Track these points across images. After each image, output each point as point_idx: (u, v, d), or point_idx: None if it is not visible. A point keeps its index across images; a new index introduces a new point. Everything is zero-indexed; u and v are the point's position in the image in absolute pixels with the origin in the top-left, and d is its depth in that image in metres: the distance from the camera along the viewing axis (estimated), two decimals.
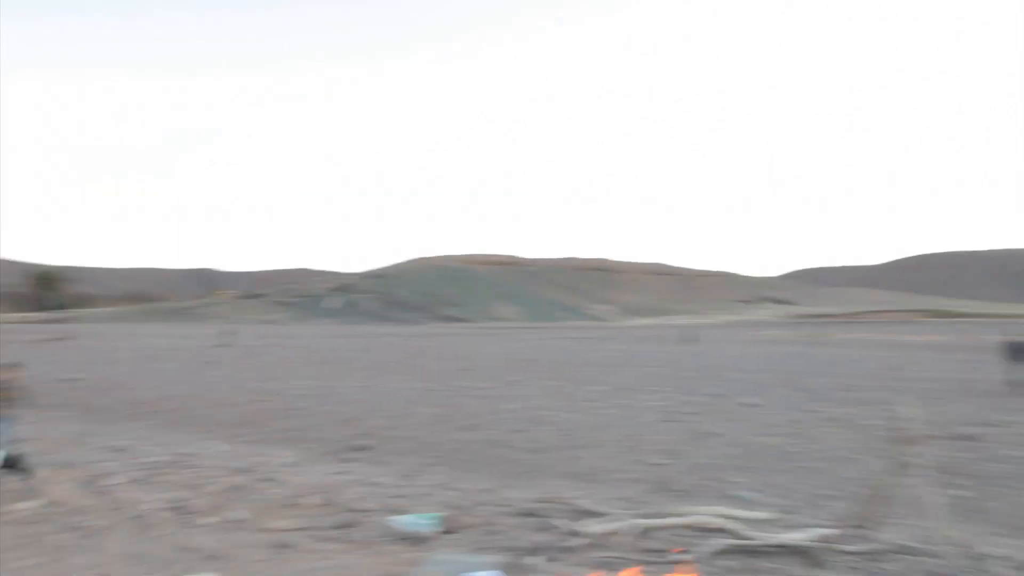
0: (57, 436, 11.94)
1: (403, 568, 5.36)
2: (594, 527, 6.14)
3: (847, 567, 5.63)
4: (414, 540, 6.12)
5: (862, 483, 8.12)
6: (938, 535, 5.87)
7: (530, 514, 7.05)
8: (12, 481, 7.56)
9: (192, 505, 7.16)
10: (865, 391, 19.28)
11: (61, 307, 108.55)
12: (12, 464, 7.55)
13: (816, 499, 8.29)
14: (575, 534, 6.10)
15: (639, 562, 5.50)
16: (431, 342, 55.46)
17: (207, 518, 6.71)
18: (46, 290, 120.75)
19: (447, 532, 6.38)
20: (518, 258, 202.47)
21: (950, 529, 6.09)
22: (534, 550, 5.72)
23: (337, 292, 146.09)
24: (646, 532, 6.23)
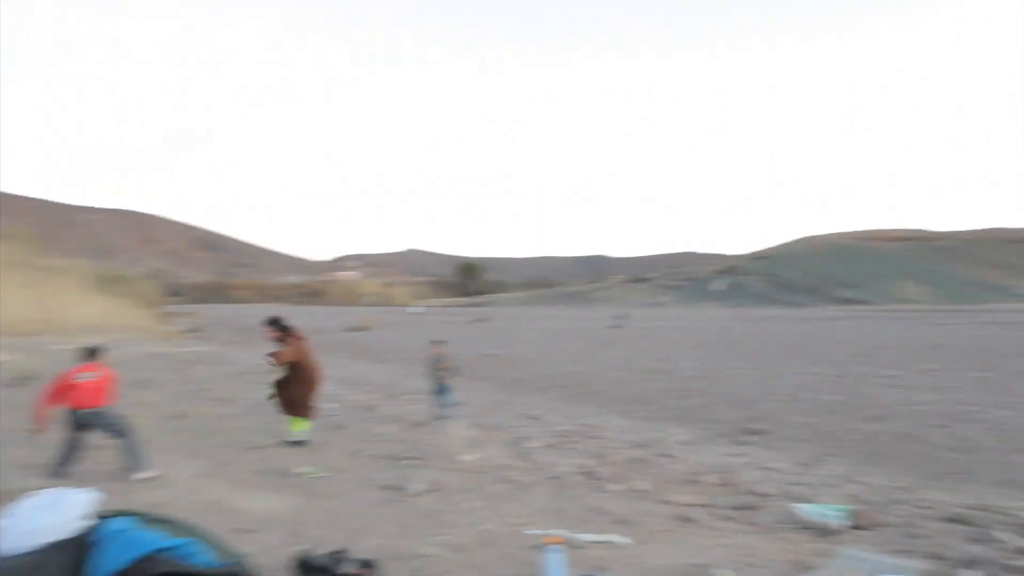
0: (483, 403, 13.92)
1: (809, 558, 5.15)
2: None
3: None
4: (820, 531, 5.84)
5: None
6: None
7: (959, 521, 6.22)
8: (459, 436, 9.02)
9: (599, 472, 7.78)
10: None
11: (478, 293, 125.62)
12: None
13: None
14: (1021, 551, 5.22)
15: None
16: (824, 326, 51.74)
17: (613, 485, 7.24)
18: (468, 278, 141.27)
19: (857, 528, 5.96)
20: (925, 232, 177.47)
21: None
22: (969, 563, 5.04)
23: (722, 274, 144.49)
24: None
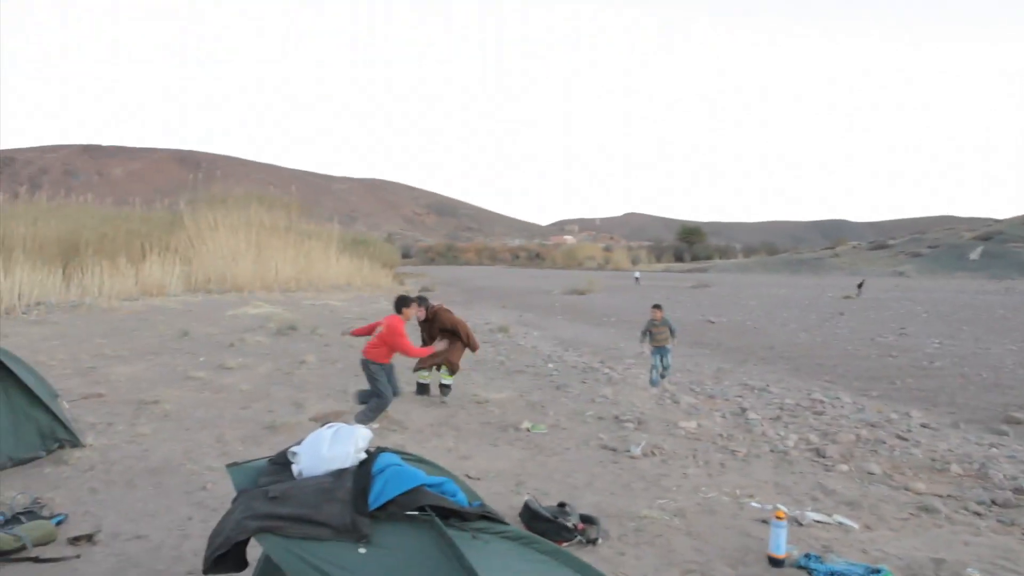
0: (703, 371, 13.71)
1: None
2: None
3: None
4: None
5: None
6: None
7: None
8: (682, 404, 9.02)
9: (826, 450, 7.42)
10: None
11: (701, 258, 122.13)
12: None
13: None
14: None
15: None
16: None
17: (842, 465, 6.88)
18: (690, 243, 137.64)
19: None
20: None
21: None
22: None
23: (980, 241, 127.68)
24: None
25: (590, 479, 5.91)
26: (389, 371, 7.57)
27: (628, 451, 6.71)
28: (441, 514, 2.33)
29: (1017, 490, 6.24)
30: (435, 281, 53.12)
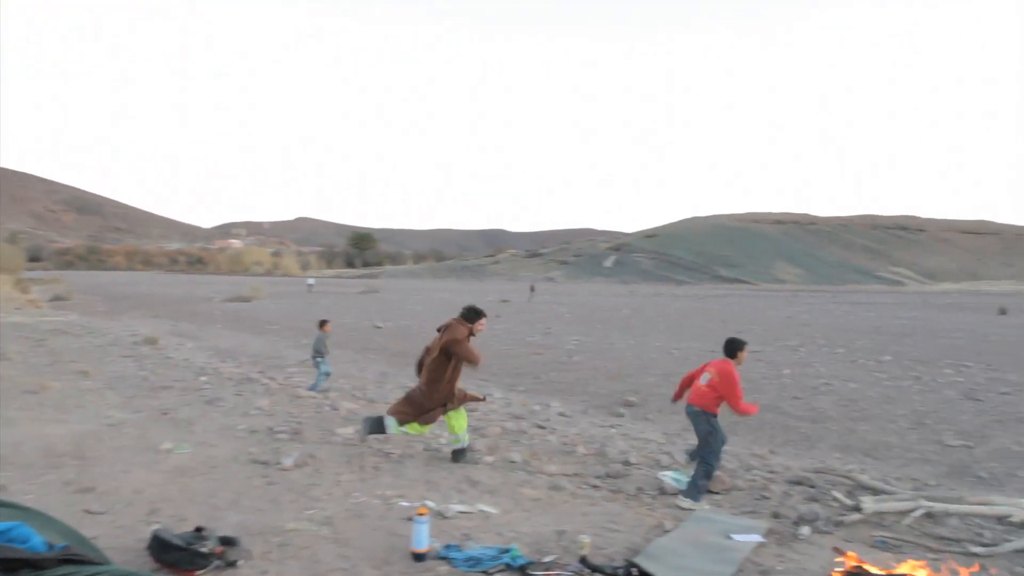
0: (367, 375, 13.82)
1: (668, 521, 5.47)
2: (873, 504, 5.72)
3: None
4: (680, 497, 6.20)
5: None
6: None
7: (803, 483, 6.76)
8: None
9: (474, 445, 7.90)
10: None
11: (371, 264, 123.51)
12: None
13: None
14: (850, 509, 5.74)
15: (923, 547, 5.04)
16: (705, 303, 54.24)
17: (488, 457, 7.39)
18: (361, 249, 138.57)
19: (713, 492, 6.36)
20: (807, 216, 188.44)
21: None
22: (804, 520, 5.49)
23: (613, 251, 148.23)
24: (933, 517, 5.67)
25: (236, 497, 5.54)
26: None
27: (279, 463, 6.45)
28: (8, 567, 1.95)
29: (625, 462, 7.27)
30: (72, 288, 46.30)
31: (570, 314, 36.66)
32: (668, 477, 6.55)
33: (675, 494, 6.25)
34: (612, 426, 9.75)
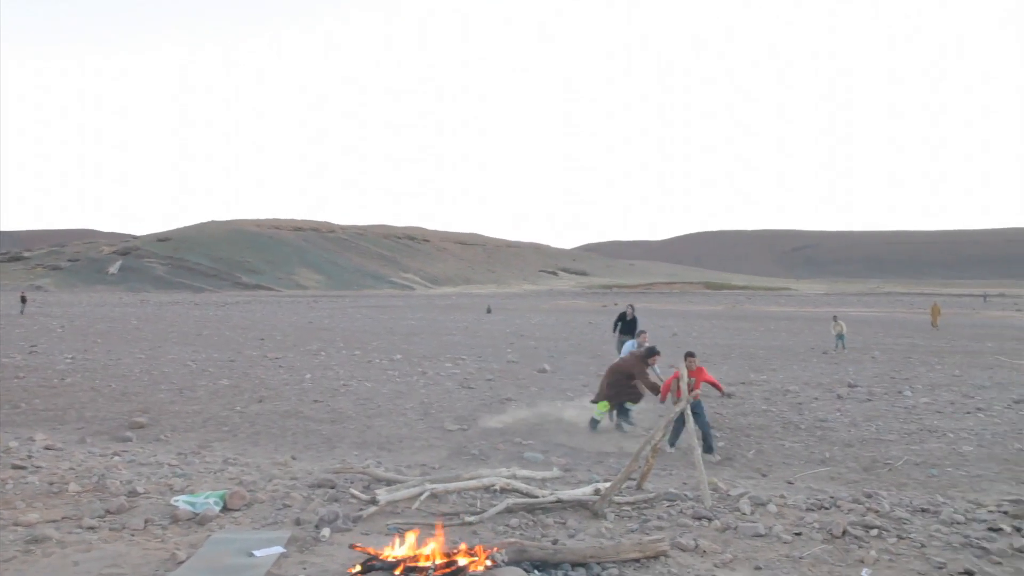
0: None
1: (182, 551, 5.01)
2: (387, 495, 6.12)
3: (621, 515, 6.08)
4: (195, 521, 5.74)
5: (641, 439, 8.76)
6: (698, 482, 6.50)
7: (324, 485, 6.89)
8: None
9: None
10: None
11: None
12: None
13: (600, 456, 8.87)
14: (367, 503, 6.04)
15: (429, 526, 5.56)
16: (225, 310, 52.31)
17: None
18: None
19: (231, 509, 6.06)
20: (325, 223, 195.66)
21: (709, 476, 6.77)
22: (324, 522, 5.59)
23: (119, 256, 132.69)
24: (438, 496, 6.32)
25: None
26: None
27: None
28: None
29: (131, 493, 6.47)
30: None
31: (64, 328, 31.65)
32: (182, 502, 6.02)
33: (189, 519, 5.77)
34: (116, 453, 8.61)
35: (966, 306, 71.43)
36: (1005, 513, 6.27)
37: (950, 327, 37.81)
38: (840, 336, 24.17)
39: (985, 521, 6.01)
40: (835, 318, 25.47)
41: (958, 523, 5.99)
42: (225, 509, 6.05)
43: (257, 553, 4.92)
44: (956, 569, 4.94)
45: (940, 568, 4.98)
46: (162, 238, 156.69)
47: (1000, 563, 5.11)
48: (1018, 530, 5.78)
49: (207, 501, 5.98)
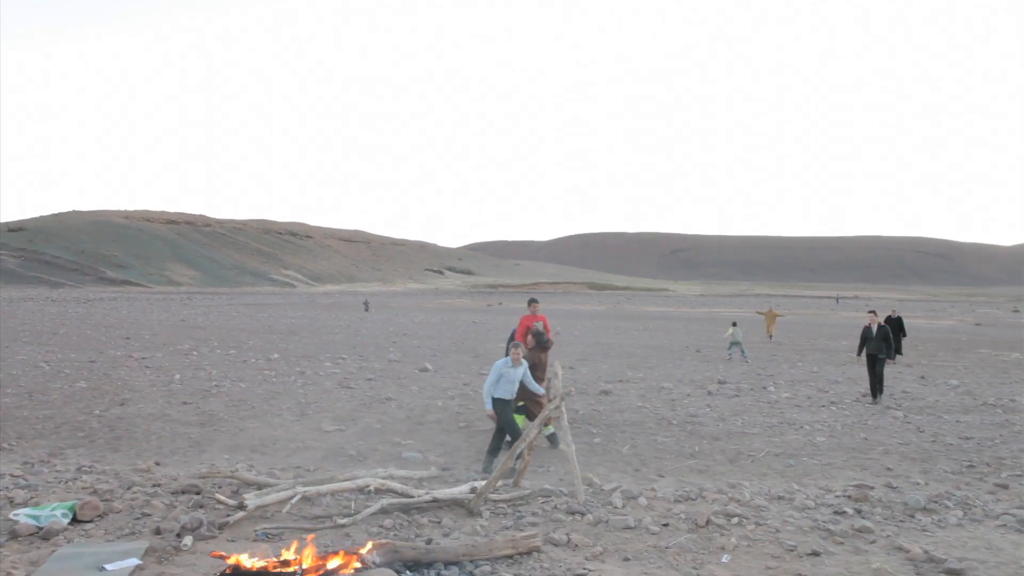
0: None
1: (18, 570, 4.62)
2: (256, 499, 5.88)
3: (497, 513, 6.12)
4: (39, 536, 5.31)
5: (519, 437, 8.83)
6: (573, 478, 6.64)
7: (188, 491, 6.55)
8: None
9: None
10: None
11: None
12: None
13: (479, 455, 8.89)
14: (234, 508, 5.79)
15: (300, 530, 5.39)
16: (87, 307, 48.85)
17: None
18: None
19: (81, 521, 5.64)
20: (200, 217, 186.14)
21: (583, 471, 6.93)
22: (187, 529, 5.30)
23: None
24: (310, 499, 6.14)
25: None
26: None
27: None
28: None
29: None
30: None
31: None
32: (23, 515, 5.54)
33: (32, 534, 5.33)
34: None
35: (823, 307, 76.81)
36: (849, 497, 6.81)
37: (798, 329, 40.35)
38: (735, 343, 20.93)
39: (832, 505, 6.51)
40: (734, 323, 21.73)
41: (809, 508, 6.44)
42: (75, 521, 5.63)
43: (108, 567, 4.61)
44: (805, 551, 5.31)
45: (791, 551, 5.33)
46: (14, 228, 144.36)
47: (842, 543, 5.54)
48: (859, 512, 6.29)
49: (53, 513, 5.54)
